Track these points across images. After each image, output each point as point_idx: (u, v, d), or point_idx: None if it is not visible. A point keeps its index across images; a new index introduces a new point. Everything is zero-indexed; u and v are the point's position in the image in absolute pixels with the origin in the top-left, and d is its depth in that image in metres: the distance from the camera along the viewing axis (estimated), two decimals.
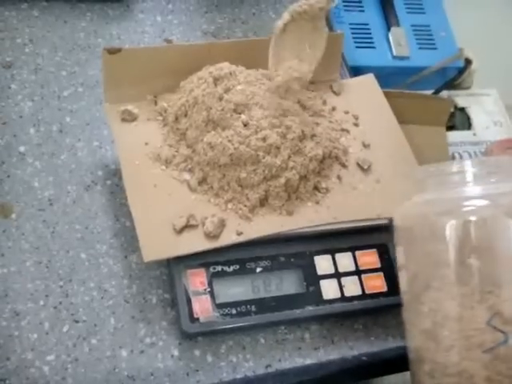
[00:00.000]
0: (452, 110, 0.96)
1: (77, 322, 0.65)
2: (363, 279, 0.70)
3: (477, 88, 1.02)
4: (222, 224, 0.67)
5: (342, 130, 0.77)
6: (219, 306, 0.65)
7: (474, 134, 0.97)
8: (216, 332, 0.66)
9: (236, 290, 0.67)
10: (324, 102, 0.79)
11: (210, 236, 0.66)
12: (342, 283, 0.69)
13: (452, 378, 0.58)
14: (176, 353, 0.66)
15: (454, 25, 1.00)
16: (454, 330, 0.58)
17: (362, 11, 0.97)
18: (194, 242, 0.66)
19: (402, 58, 0.95)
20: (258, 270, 0.68)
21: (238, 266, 0.67)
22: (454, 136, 0.95)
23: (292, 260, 0.69)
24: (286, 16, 0.70)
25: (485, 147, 0.94)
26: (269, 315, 0.66)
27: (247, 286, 0.67)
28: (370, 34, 0.95)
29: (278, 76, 0.70)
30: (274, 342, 0.68)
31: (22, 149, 0.73)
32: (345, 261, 0.70)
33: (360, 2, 0.97)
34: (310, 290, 0.68)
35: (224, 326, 0.65)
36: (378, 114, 0.80)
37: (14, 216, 0.69)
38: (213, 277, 0.66)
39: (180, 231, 0.66)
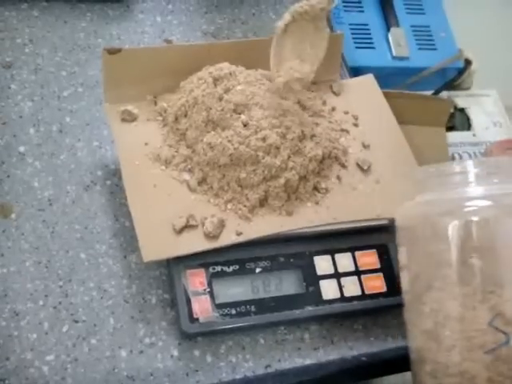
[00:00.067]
0: (452, 110, 0.96)
1: (76, 322, 0.65)
2: (363, 279, 0.70)
3: (476, 89, 1.02)
4: (221, 224, 0.67)
5: (342, 130, 0.77)
6: (219, 307, 0.65)
7: (474, 135, 0.97)
8: (215, 332, 0.66)
9: (235, 290, 0.67)
10: (324, 103, 0.79)
11: (210, 236, 0.66)
12: (342, 283, 0.69)
13: (453, 378, 0.58)
14: (175, 353, 0.66)
15: (454, 25, 1.00)
16: (455, 330, 0.58)
17: (362, 12, 0.97)
18: (194, 242, 0.66)
19: (401, 59, 0.95)
20: (258, 270, 0.68)
21: (237, 267, 0.67)
22: (454, 137, 0.95)
23: (291, 260, 0.69)
24: (287, 16, 0.70)
25: (484, 148, 0.94)
26: (268, 315, 0.66)
27: (247, 286, 0.67)
28: (370, 34, 0.95)
29: (280, 76, 0.70)
30: (274, 343, 0.68)
31: (21, 149, 0.73)
32: (344, 261, 0.70)
33: (360, 3, 0.97)
34: (310, 290, 0.68)
35: (223, 327, 0.65)
36: (378, 114, 0.80)
37: (13, 216, 0.69)
38: (212, 277, 0.66)
39: (180, 231, 0.66)
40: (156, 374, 0.64)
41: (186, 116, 0.72)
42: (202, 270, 0.66)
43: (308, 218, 0.70)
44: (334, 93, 0.81)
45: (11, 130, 0.74)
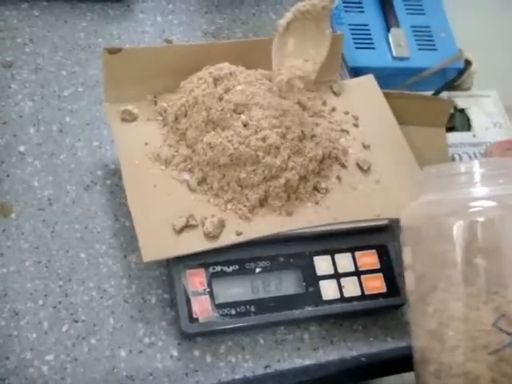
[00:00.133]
0: (452, 111, 0.96)
1: (76, 321, 0.65)
2: (362, 280, 0.70)
3: (477, 89, 1.02)
4: (221, 224, 0.67)
5: (342, 130, 0.77)
6: (218, 307, 0.65)
7: (474, 136, 0.97)
8: (215, 332, 0.66)
9: (235, 290, 0.67)
10: (324, 103, 0.79)
11: (210, 236, 0.66)
12: (342, 284, 0.69)
13: (457, 378, 0.58)
14: (175, 353, 0.66)
15: (454, 26, 1.00)
16: (459, 330, 0.58)
17: (362, 12, 0.97)
18: (194, 242, 0.66)
19: (401, 59, 0.95)
20: (258, 270, 0.68)
21: (237, 267, 0.67)
22: (454, 137, 0.95)
23: (291, 260, 0.69)
24: (289, 15, 0.70)
25: (484, 148, 0.94)
26: (268, 315, 0.66)
27: (247, 286, 0.67)
28: (370, 34, 0.95)
29: (281, 74, 0.70)
30: (273, 343, 0.68)
31: (21, 148, 0.73)
32: (344, 261, 0.70)
33: (360, 3, 0.97)
34: (310, 290, 0.68)
35: (223, 327, 0.65)
36: (378, 114, 0.80)
37: (13, 215, 0.69)
38: (212, 277, 0.66)
39: (179, 231, 0.66)
40: (155, 374, 0.64)
41: (186, 116, 0.72)
42: (201, 270, 0.66)
43: (308, 218, 0.70)
44: (335, 93, 0.81)
45: (11, 130, 0.74)
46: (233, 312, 0.65)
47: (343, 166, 0.74)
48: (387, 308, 0.71)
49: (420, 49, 0.96)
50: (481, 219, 0.58)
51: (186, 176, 0.70)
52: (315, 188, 0.72)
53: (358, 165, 0.75)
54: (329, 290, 0.69)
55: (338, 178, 0.73)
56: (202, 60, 0.74)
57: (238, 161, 0.68)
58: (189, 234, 0.66)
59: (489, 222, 0.58)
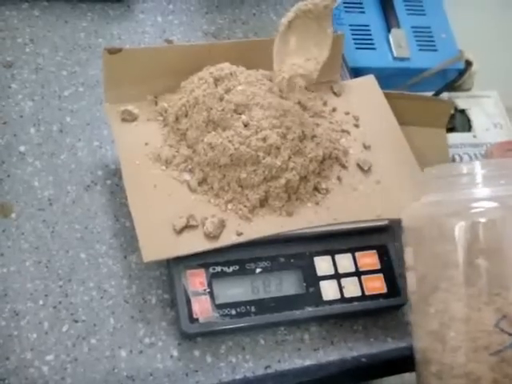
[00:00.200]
0: (452, 111, 0.96)
1: (76, 321, 0.65)
2: (363, 280, 0.70)
3: (477, 90, 1.02)
4: (221, 224, 0.67)
5: (343, 130, 0.77)
6: (219, 307, 0.65)
7: (474, 136, 0.97)
8: (215, 332, 0.66)
9: (236, 290, 0.66)
10: (324, 103, 0.79)
11: (210, 236, 0.66)
12: (342, 284, 0.69)
13: (459, 379, 0.58)
14: (175, 353, 0.65)
15: (455, 26, 1.00)
16: (460, 331, 0.58)
17: (363, 12, 0.97)
18: (194, 243, 0.66)
19: (402, 60, 0.95)
20: (258, 270, 0.68)
21: (237, 267, 0.67)
22: (454, 138, 0.95)
23: (292, 261, 0.69)
24: (290, 13, 0.70)
25: (485, 149, 0.94)
26: (268, 316, 0.66)
27: (247, 286, 0.67)
28: (371, 35, 0.95)
29: (283, 72, 0.70)
30: (274, 343, 0.68)
31: (22, 148, 0.73)
32: (345, 262, 0.70)
33: (360, 4, 0.97)
34: (310, 290, 0.68)
35: (223, 327, 0.65)
36: (379, 115, 0.80)
37: (13, 215, 0.69)
38: (212, 277, 0.66)
39: (180, 231, 0.66)
40: (156, 374, 0.64)
41: (186, 116, 0.72)
42: (202, 271, 0.66)
43: (308, 218, 0.70)
44: (335, 93, 0.81)
45: (12, 130, 0.74)
46: (233, 312, 0.65)
47: (344, 166, 0.74)
48: (387, 308, 0.71)
49: (420, 49, 0.96)
50: (482, 220, 0.58)
51: (187, 176, 0.70)
52: (316, 188, 0.72)
53: (358, 165, 0.75)
54: (329, 290, 0.69)
55: (339, 178, 0.73)
56: (202, 60, 0.74)
57: (238, 161, 0.68)
58: (189, 235, 0.66)
59: (490, 223, 0.58)
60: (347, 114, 0.79)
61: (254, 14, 0.92)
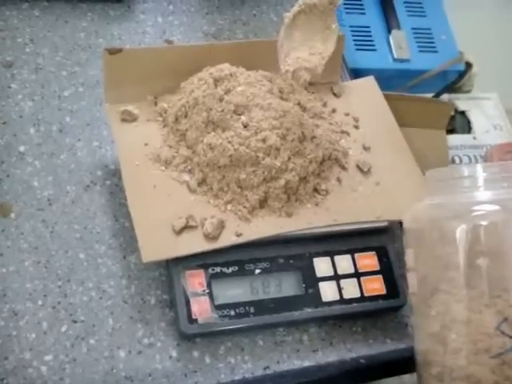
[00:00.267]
0: (452, 113, 0.96)
1: (75, 322, 0.65)
2: (362, 282, 0.70)
3: (477, 91, 1.02)
4: (221, 225, 0.67)
5: (342, 132, 0.77)
6: (218, 308, 0.65)
7: (474, 138, 0.97)
8: (214, 333, 0.66)
9: (235, 291, 0.66)
10: (324, 104, 0.79)
11: (209, 237, 0.66)
12: (341, 285, 0.69)
13: (459, 381, 0.58)
14: (174, 354, 0.65)
15: (455, 28, 1.00)
16: (461, 333, 0.58)
17: (363, 14, 0.97)
18: (193, 243, 0.66)
19: (402, 61, 0.95)
20: (257, 271, 0.68)
21: (236, 268, 0.67)
22: (454, 139, 0.95)
23: (291, 262, 0.69)
24: (295, 7, 0.70)
25: (485, 151, 0.94)
26: (267, 317, 0.66)
27: (246, 287, 0.67)
28: (371, 36, 0.95)
29: (288, 65, 0.70)
30: (273, 344, 0.68)
31: (21, 148, 0.73)
32: (344, 263, 0.70)
33: (361, 5, 0.97)
34: (309, 292, 0.68)
35: (222, 328, 0.65)
36: (379, 116, 0.80)
37: (13, 215, 0.69)
38: (212, 278, 0.66)
39: (179, 232, 0.66)
40: (154, 375, 0.64)
41: (186, 117, 0.72)
42: (201, 271, 0.66)
43: (308, 219, 0.70)
44: (335, 94, 0.81)
45: (11, 130, 0.74)
46: (232, 313, 0.65)
47: (343, 167, 0.74)
48: (387, 310, 0.71)
49: (421, 51, 0.96)
50: (484, 223, 0.58)
51: (186, 177, 0.70)
52: (315, 189, 0.72)
53: (358, 166, 0.75)
54: (328, 291, 0.69)
55: (338, 179, 0.73)
56: (202, 61, 0.74)
57: (237, 162, 0.68)
58: (188, 235, 0.66)
59: (492, 226, 0.58)
60: (347, 115, 0.79)
61: (254, 14, 0.92)
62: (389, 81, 0.85)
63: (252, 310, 0.66)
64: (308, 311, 0.67)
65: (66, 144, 0.74)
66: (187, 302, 0.65)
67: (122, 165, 0.69)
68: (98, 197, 0.72)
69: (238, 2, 0.93)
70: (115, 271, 0.68)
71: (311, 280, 0.69)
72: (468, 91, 1.01)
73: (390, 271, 0.71)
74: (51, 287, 0.66)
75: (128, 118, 0.72)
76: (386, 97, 0.81)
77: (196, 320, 0.64)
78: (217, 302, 0.65)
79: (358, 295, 0.69)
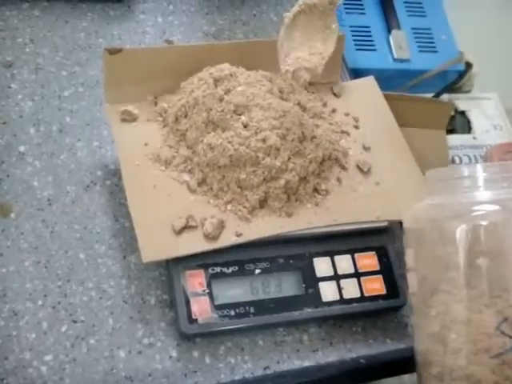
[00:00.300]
0: (452, 113, 0.96)
1: (75, 322, 0.65)
2: (362, 282, 0.70)
3: (477, 91, 1.02)
4: (221, 225, 0.67)
5: (342, 132, 0.77)
6: (218, 308, 0.65)
7: (474, 138, 0.97)
8: (214, 333, 0.66)
9: (235, 291, 0.66)
10: (324, 104, 0.79)
11: (209, 237, 0.66)
12: (341, 285, 0.69)
13: (459, 381, 0.58)
14: (174, 354, 0.65)
15: (455, 28, 1.00)
16: (461, 333, 0.58)
17: (363, 14, 0.97)
18: (193, 243, 0.66)
19: (402, 61, 0.95)
20: (257, 271, 0.68)
21: (236, 268, 0.67)
22: (454, 139, 0.95)
23: (291, 262, 0.69)
24: (295, 7, 0.70)
25: (485, 151, 0.94)
26: (267, 317, 0.66)
27: (246, 287, 0.67)
28: (371, 36, 0.95)
29: (288, 65, 0.70)
30: (273, 344, 0.68)
31: (21, 148, 0.73)
32: (344, 263, 0.70)
33: (361, 5, 0.97)
34: (309, 292, 0.68)
35: (222, 328, 0.65)
36: (379, 116, 0.80)
37: (13, 215, 0.69)
38: (212, 278, 0.66)
39: (179, 232, 0.66)
40: (154, 375, 0.64)
41: (186, 117, 0.72)
42: (201, 271, 0.66)
43: (308, 219, 0.70)
44: (335, 94, 0.81)
45: (11, 130, 0.74)
46: (232, 313, 0.65)
47: (343, 167, 0.74)
48: (387, 310, 0.71)
49: (421, 51, 0.96)
50: (484, 223, 0.58)
51: (186, 177, 0.70)
52: (315, 189, 0.72)
53: (358, 166, 0.75)
54: (328, 291, 0.69)
55: (338, 179, 0.73)
56: (202, 61, 0.74)
57: (237, 162, 0.68)
58: (188, 235, 0.66)
59: (492, 226, 0.58)
60: (347, 115, 0.79)
61: (254, 14, 0.92)
62: (389, 81, 0.85)
63: (252, 310, 0.66)
64: (308, 311, 0.67)
65: (66, 144, 0.74)
66: (187, 302, 0.65)
67: (122, 165, 0.69)
68: (98, 197, 0.72)
69: (238, 1, 0.93)
70: (115, 271, 0.68)
71: (311, 280, 0.69)
72: (468, 91, 1.01)
73: (390, 271, 0.71)
74: (51, 287, 0.66)
75: (128, 118, 0.72)
76: (386, 97, 0.81)
77: (196, 320, 0.64)
78: (217, 302, 0.65)
79: (358, 295, 0.69)
